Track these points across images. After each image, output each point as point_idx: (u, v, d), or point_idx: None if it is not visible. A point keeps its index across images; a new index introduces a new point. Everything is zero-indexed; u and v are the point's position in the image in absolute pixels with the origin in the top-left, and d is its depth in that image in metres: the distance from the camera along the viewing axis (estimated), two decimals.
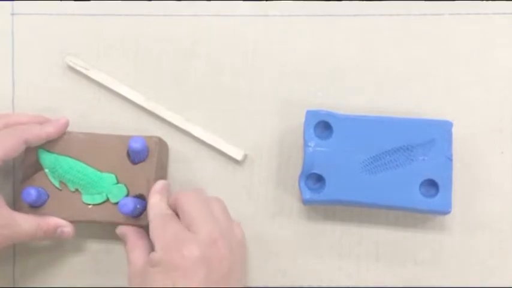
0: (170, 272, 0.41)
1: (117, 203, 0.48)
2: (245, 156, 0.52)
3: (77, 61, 0.53)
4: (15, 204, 0.51)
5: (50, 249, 0.53)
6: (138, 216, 0.48)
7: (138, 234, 0.47)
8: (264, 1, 0.53)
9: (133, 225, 0.49)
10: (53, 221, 0.48)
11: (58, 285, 0.52)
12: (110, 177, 0.49)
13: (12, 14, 0.55)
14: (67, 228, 0.49)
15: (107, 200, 0.49)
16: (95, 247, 0.52)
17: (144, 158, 0.49)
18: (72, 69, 0.54)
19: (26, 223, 0.47)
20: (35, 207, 0.49)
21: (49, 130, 0.49)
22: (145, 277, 0.43)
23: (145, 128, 0.53)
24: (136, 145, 0.47)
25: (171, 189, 0.49)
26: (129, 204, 0.47)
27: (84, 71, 0.53)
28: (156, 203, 0.46)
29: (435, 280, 0.50)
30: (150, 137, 0.49)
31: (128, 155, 0.49)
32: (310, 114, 0.49)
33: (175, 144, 0.52)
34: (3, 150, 0.46)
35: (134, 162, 0.49)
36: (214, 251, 0.42)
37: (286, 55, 0.53)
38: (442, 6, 0.52)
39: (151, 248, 0.44)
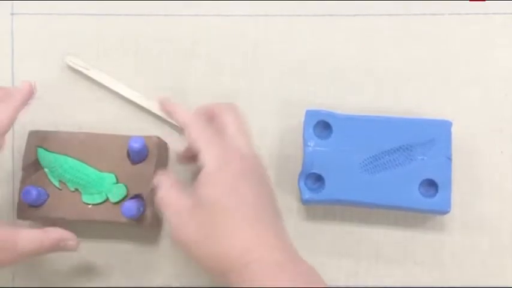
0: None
1: (117, 203, 0.48)
2: None
3: (77, 61, 0.53)
4: (15, 204, 0.51)
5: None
6: (140, 217, 0.48)
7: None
8: (264, 1, 0.53)
9: (135, 226, 0.49)
10: (57, 234, 0.45)
11: (58, 285, 0.52)
12: (109, 177, 0.49)
13: (12, 14, 0.55)
14: (71, 241, 0.46)
15: (107, 199, 0.49)
16: (94, 247, 0.52)
17: (143, 157, 0.49)
18: (72, 69, 0.54)
19: (28, 243, 0.44)
20: (35, 207, 0.49)
21: (16, 105, 0.45)
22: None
23: (145, 128, 0.53)
24: (136, 145, 0.47)
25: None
26: (133, 208, 0.47)
27: (84, 71, 0.53)
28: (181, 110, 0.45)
29: (434, 280, 0.50)
30: (150, 137, 0.49)
31: (128, 154, 0.49)
32: (309, 114, 0.49)
33: (175, 144, 0.52)
34: None
35: (134, 162, 0.49)
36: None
37: (286, 55, 0.53)
38: (442, 6, 0.52)
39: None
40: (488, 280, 0.50)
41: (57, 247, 0.46)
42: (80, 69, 0.53)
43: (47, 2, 0.55)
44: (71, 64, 0.53)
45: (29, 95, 0.47)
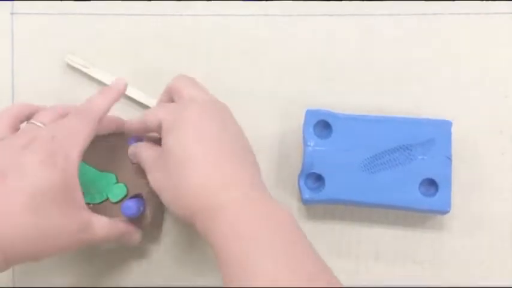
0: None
1: (117, 203, 0.48)
2: None
3: (77, 59, 0.53)
4: None
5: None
6: (140, 217, 0.48)
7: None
8: (265, 1, 0.53)
9: (134, 225, 0.49)
10: (123, 226, 0.47)
11: (58, 285, 0.52)
12: (109, 177, 0.49)
13: (12, 14, 0.55)
14: (136, 235, 0.48)
15: (107, 199, 0.49)
16: (95, 247, 0.52)
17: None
18: (72, 68, 0.54)
19: (101, 227, 0.44)
20: None
21: (111, 96, 0.47)
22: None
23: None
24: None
25: None
26: (133, 207, 0.47)
27: (84, 69, 0.53)
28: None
29: (434, 280, 0.50)
30: (149, 137, 0.49)
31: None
32: (309, 113, 0.49)
33: None
34: (86, 140, 0.44)
35: (134, 161, 0.49)
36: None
37: (286, 55, 0.53)
38: (442, 6, 0.52)
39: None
40: (488, 280, 0.50)
41: (122, 239, 0.47)
42: (79, 67, 0.53)
43: (47, 1, 0.55)
44: (70, 62, 0.53)
45: (123, 91, 0.48)
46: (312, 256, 0.39)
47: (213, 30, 0.54)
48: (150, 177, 0.45)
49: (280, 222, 0.39)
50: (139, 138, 0.48)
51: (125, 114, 0.53)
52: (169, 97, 0.48)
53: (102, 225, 0.45)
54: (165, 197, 0.43)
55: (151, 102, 0.52)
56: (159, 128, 0.45)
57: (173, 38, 0.54)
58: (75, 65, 0.53)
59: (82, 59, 0.53)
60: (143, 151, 0.46)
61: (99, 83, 0.53)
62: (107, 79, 0.53)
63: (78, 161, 0.43)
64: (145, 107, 0.53)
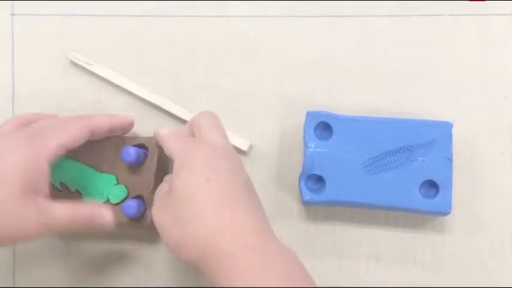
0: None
1: (117, 204, 0.48)
2: (251, 147, 0.52)
3: (80, 56, 0.53)
4: None
5: (50, 249, 0.53)
6: (141, 217, 0.48)
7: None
8: (264, 2, 0.53)
9: (135, 226, 0.49)
10: (90, 208, 0.45)
11: (58, 285, 0.52)
12: (110, 178, 0.49)
13: (12, 15, 0.55)
14: (106, 217, 0.45)
15: (107, 200, 0.49)
16: (95, 247, 0.52)
17: (142, 160, 0.49)
18: (73, 68, 0.54)
19: (61, 212, 0.43)
20: None
21: (115, 120, 0.48)
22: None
23: (147, 122, 0.53)
24: (128, 158, 0.47)
25: None
26: (133, 206, 0.47)
27: (87, 66, 0.53)
28: (164, 129, 0.47)
29: (435, 281, 0.50)
30: (150, 138, 0.49)
31: None
32: (310, 115, 0.49)
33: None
34: (69, 138, 0.44)
35: (134, 165, 0.49)
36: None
37: (286, 56, 0.53)
38: (442, 7, 0.52)
39: None
40: (488, 281, 0.50)
41: (92, 222, 0.45)
42: (82, 64, 0.53)
43: (47, 2, 0.54)
44: (73, 59, 0.53)
45: (127, 125, 0.49)
46: None
47: (213, 31, 0.54)
48: (155, 212, 0.44)
49: (287, 268, 0.39)
50: (132, 150, 0.48)
51: (128, 111, 0.53)
52: (191, 130, 0.47)
53: (63, 207, 0.44)
54: (168, 238, 0.42)
55: (152, 97, 0.53)
56: (171, 157, 0.45)
57: (174, 39, 0.54)
58: (78, 62, 0.53)
59: (85, 56, 0.53)
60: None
61: (100, 80, 0.53)
62: (110, 76, 0.53)
63: (53, 151, 0.43)
64: (146, 103, 0.53)
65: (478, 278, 0.50)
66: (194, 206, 0.40)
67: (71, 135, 0.45)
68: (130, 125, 0.50)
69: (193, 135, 0.46)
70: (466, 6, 0.52)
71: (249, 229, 0.40)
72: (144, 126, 0.52)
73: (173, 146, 0.44)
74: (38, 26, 0.55)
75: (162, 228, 0.42)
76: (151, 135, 0.49)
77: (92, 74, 0.54)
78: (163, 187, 0.45)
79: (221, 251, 0.39)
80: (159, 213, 0.43)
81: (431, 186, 0.47)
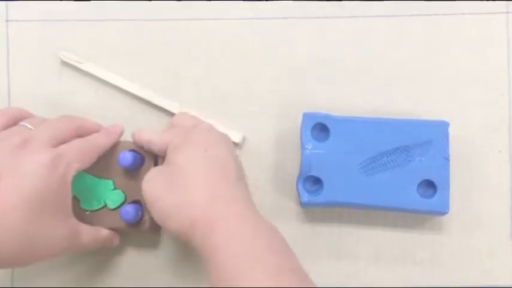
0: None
1: (115, 209, 0.48)
2: (244, 139, 0.52)
3: (70, 55, 0.53)
4: None
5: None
6: (139, 222, 0.48)
7: None
8: (261, 3, 0.53)
9: (133, 231, 0.49)
10: (106, 233, 0.48)
11: (56, 285, 0.52)
12: (107, 183, 0.49)
13: (7, 21, 0.55)
14: (116, 239, 0.49)
15: (105, 206, 0.49)
16: (93, 252, 0.52)
17: (139, 165, 0.49)
18: (68, 73, 0.54)
19: (86, 235, 0.46)
20: None
21: (113, 140, 0.49)
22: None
23: (142, 119, 0.53)
24: (124, 163, 0.47)
25: None
26: (131, 211, 0.47)
27: (78, 65, 0.53)
28: (144, 130, 0.48)
29: (434, 280, 0.50)
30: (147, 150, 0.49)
31: None
32: (307, 116, 0.49)
33: None
34: (85, 162, 0.45)
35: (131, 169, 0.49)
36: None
37: (282, 58, 0.53)
38: (438, 6, 0.52)
39: None
40: (487, 280, 0.50)
41: (104, 244, 0.48)
42: (73, 63, 0.53)
43: (42, 8, 0.54)
44: (64, 58, 0.53)
45: (120, 135, 0.50)
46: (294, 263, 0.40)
47: (210, 33, 0.53)
48: (147, 182, 0.44)
49: (273, 238, 0.41)
50: (129, 154, 0.48)
51: (121, 109, 0.53)
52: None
53: (88, 233, 0.46)
54: (160, 206, 0.43)
55: (145, 93, 0.53)
56: (161, 151, 0.46)
57: (171, 42, 0.54)
58: (69, 61, 0.53)
59: (76, 55, 0.53)
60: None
61: (97, 83, 0.53)
62: (100, 74, 0.53)
63: (74, 173, 0.44)
64: (140, 100, 0.53)
65: (476, 276, 0.50)
66: (192, 175, 0.42)
67: (89, 160, 0.46)
68: (121, 135, 0.50)
69: None
70: (462, 6, 0.52)
71: (240, 200, 0.42)
72: (139, 124, 0.52)
73: (166, 137, 0.46)
74: (33, 32, 0.54)
75: (154, 197, 0.43)
76: (146, 125, 0.50)
77: (87, 77, 0.54)
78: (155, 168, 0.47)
79: (213, 217, 0.40)
80: (152, 183, 0.44)
81: (429, 186, 0.47)
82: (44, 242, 0.42)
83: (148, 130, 0.48)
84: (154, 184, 0.44)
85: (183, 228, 0.41)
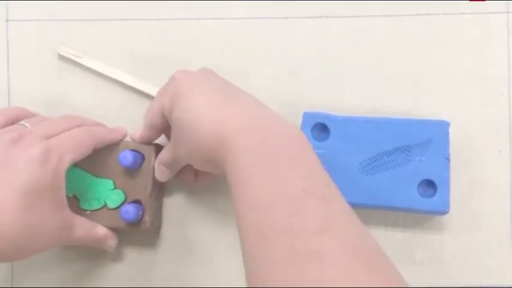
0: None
1: (115, 209, 0.48)
2: None
3: (68, 49, 0.53)
4: None
5: (48, 252, 0.53)
6: (139, 222, 0.48)
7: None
8: (259, 2, 0.53)
9: (133, 231, 0.49)
10: (103, 231, 0.48)
11: (56, 285, 0.52)
12: (107, 183, 0.49)
13: (7, 21, 0.55)
14: (113, 241, 0.49)
15: (105, 205, 0.49)
16: (93, 253, 0.52)
17: (139, 164, 0.49)
18: (69, 72, 0.54)
19: (81, 228, 0.46)
20: None
21: (114, 137, 0.49)
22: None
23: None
24: (125, 162, 0.47)
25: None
26: (131, 211, 0.47)
27: (76, 59, 0.53)
28: None
29: (434, 280, 0.50)
30: (146, 144, 0.49)
31: None
32: (307, 116, 0.49)
33: None
34: (79, 152, 0.45)
35: (131, 169, 0.49)
36: None
37: (282, 57, 0.53)
38: (437, 6, 0.52)
39: None
40: (487, 280, 0.50)
41: (99, 243, 0.48)
42: (71, 57, 0.53)
43: (42, 8, 0.54)
44: (62, 53, 0.53)
45: (123, 136, 0.50)
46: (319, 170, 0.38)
47: (209, 33, 0.53)
48: (172, 151, 0.45)
49: (290, 143, 0.40)
50: (129, 154, 0.48)
51: (124, 102, 0.53)
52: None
53: (82, 226, 0.46)
54: (183, 151, 0.44)
55: (143, 85, 0.53)
56: (164, 120, 0.46)
57: (170, 42, 0.54)
58: (67, 55, 0.53)
59: (74, 49, 0.53)
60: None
61: (98, 81, 0.53)
62: (98, 67, 0.53)
63: (68, 166, 0.44)
64: (143, 93, 0.53)
65: (476, 276, 0.50)
66: (196, 114, 0.41)
67: (83, 149, 0.46)
68: (124, 137, 0.50)
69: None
70: (462, 6, 0.52)
71: (248, 112, 0.41)
72: (139, 119, 0.52)
73: (156, 106, 0.46)
74: (33, 32, 0.54)
75: (179, 151, 0.44)
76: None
77: (87, 76, 0.54)
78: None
79: (226, 138, 0.39)
80: (174, 147, 0.45)
81: (429, 185, 0.47)
82: (41, 232, 0.42)
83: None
84: (175, 146, 0.45)
85: (208, 162, 0.42)
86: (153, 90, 0.52)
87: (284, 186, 0.36)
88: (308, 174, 0.37)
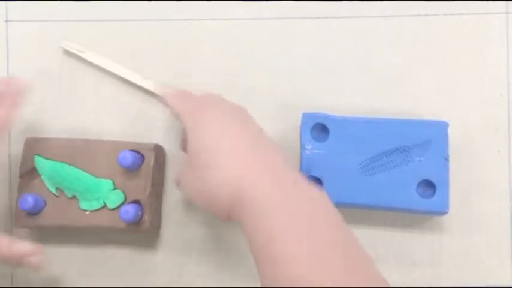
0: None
1: (114, 209, 0.48)
2: None
3: (72, 44, 0.53)
4: (13, 212, 0.51)
5: (48, 252, 0.53)
6: (138, 222, 0.48)
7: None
8: (259, 3, 0.53)
9: (133, 231, 0.49)
10: (23, 248, 0.45)
11: (56, 285, 0.52)
12: (106, 183, 0.49)
13: (7, 21, 0.55)
14: (34, 258, 0.46)
15: (104, 206, 0.49)
16: (92, 253, 0.52)
17: (139, 165, 0.49)
18: (69, 73, 0.54)
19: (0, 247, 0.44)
20: (33, 215, 0.49)
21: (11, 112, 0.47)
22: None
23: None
24: (124, 161, 0.47)
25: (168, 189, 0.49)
26: (131, 211, 0.47)
27: (80, 54, 0.53)
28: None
29: (433, 280, 0.50)
30: (146, 145, 0.49)
31: None
32: (306, 116, 0.49)
33: (176, 124, 0.53)
34: None
35: (130, 170, 0.49)
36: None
37: (281, 58, 0.53)
38: (437, 6, 0.52)
39: None
40: (486, 280, 0.50)
41: (21, 262, 0.45)
42: (75, 52, 0.53)
43: (41, 8, 0.54)
44: (66, 47, 0.53)
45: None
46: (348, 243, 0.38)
47: (209, 34, 0.53)
48: (185, 189, 0.44)
49: (313, 206, 0.39)
50: (128, 154, 0.48)
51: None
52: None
53: (2, 244, 0.44)
54: (201, 203, 0.42)
55: (147, 83, 0.53)
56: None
57: (169, 43, 0.54)
58: (71, 50, 0.53)
59: (78, 44, 0.53)
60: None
61: (93, 74, 0.53)
62: (102, 63, 0.53)
63: None
64: (144, 89, 0.53)
65: (476, 276, 0.50)
66: (214, 160, 0.41)
67: None
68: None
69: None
70: (460, 6, 0.52)
71: (268, 168, 0.40)
72: (142, 114, 0.53)
73: (182, 107, 0.45)
74: (33, 32, 0.54)
75: (191, 194, 0.43)
76: (146, 123, 0.51)
77: (88, 76, 0.54)
78: (179, 170, 0.47)
79: (247, 192, 0.38)
80: (184, 182, 0.44)
81: (429, 186, 0.47)
82: None
83: (170, 91, 0.48)
84: (185, 182, 0.44)
85: (222, 215, 0.41)
86: (151, 86, 0.52)
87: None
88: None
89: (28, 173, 0.50)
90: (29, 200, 0.48)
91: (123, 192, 0.49)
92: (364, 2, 0.53)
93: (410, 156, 0.47)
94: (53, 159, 0.49)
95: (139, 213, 0.48)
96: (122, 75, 0.53)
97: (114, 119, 0.53)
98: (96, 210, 0.49)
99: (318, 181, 0.48)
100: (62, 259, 0.53)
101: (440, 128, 0.48)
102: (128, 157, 0.47)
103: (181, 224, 0.52)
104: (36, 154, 0.50)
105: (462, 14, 0.52)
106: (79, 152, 0.49)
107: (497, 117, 0.51)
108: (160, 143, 0.52)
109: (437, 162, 0.47)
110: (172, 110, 0.47)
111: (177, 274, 0.52)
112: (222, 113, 0.44)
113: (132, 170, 0.48)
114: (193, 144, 0.42)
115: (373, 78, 0.52)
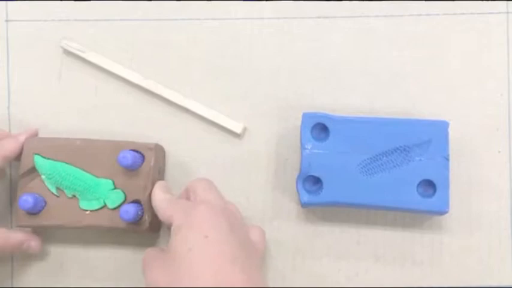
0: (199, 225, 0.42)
1: (114, 209, 0.48)
2: (245, 129, 0.52)
3: (73, 44, 0.53)
4: (13, 212, 0.51)
5: (48, 252, 0.53)
6: (138, 222, 0.48)
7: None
8: (259, 3, 0.53)
9: (133, 231, 0.49)
10: (21, 234, 0.49)
11: (56, 285, 0.52)
12: (107, 183, 0.49)
13: (7, 21, 0.55)
14: (33, 242, 0.50)
15: (105, 205, 0.49)
16: (92, 253, 0.52)
17: (139, 165, 0.49)
18: (68, 73, 0.54)
19: None
20: (33, 214, 0.49)
21: (22, 139, 0.50)
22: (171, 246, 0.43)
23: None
24: (124, 161, 0.47)
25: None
26: (131, 211, 0.47)
27: (80, 54, 0.53)
28: (158, 193, 0.47)
29: (434, 280, 0.50)
30: (146, 144, 0.49)
31: None
32: (306, 116, 0.49)
33: (176, 124, 0.53)
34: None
35: (130, 170, 0.49)
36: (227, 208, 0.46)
37: (281, 57, 0.53)
38: (437, 6, 0.52)
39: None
40: (487, 280, 0.50)
41: (20, 248, 0.49)
42: (75, 52, 0.53)
43: (42, 8, 0.54)
44: (66, 47, 0.53)
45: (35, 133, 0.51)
46: None
47: (208, 33, 0.53)
48: (149, 275, 0.43)
49: None
50: (128, 153, 0.48)
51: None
52: (187, 195, 0.47)
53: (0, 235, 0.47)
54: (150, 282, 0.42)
55: (148, 83, 0.53)
56: (165, 222, 0.45)
57: (168, 43, 0.54)
58: (72, 50, 0.53)
59: (78, 44, 0.53)
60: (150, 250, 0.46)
61: (94, 74, 0.53)
62: (103, 63, 0.53)
63: None
64: (143, 91, 0.53)
65: (476, 276, 0.50)
66: (190, 263, 0.40)
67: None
68: (35, 132, 0.52)
69: (188, 199, 0.47)
70: (461, 6, 0.52)
71: (240, 284, 0.39)
72: (142, 115, 0.53)
73: (171, 210, 0.45)
74: (33, 32, 0.54)
75: (149, 276, 0.43)
76: (146, 123, 0.51)
77: (88, 76, 0.54)
78: (153, 248, 0.46)
79: None
80: (154, 272, 0.43)
81: (429, 185, 0.47)
82: None
83: (158, 195, 0.47)
84: (156, 276, 0.42)
85: None
86: (155, 87, 0.52)
87: None
88: None
89: (28, 173, 0.50)
90: (29, 200, 0.48)
91: (123, 192, 0.49)
92: (364, 2, 0.53)
93: (410, 156, 0.47)
94: (53, 159, 0.49)
95: (140, 213, 0.48)
96: (122, 75, 0.53)
97: (114, 119, 0.53)
98: (96, 210, 0.49)
99: (318, 181, 0.48)
100: (62, 259, 0.53)
101: (441, 128, 0.48)
102: (128, 157, 0.47)
103: None
104: (36, 154, 0.50)
105: (463, 13, 0.52)
106: (79, 151, 0.49)
107: (497, 116, 0.51)
108: (160, 143, 0.52)
109: (438, 161, 0.47)
110: (161, 213, 0.46)
111: None
112: (210, 214, 0.43)
113: (132, 169, 0.48)
114: (177, 239, 0.42)
115: (373, 78, 0.52)
